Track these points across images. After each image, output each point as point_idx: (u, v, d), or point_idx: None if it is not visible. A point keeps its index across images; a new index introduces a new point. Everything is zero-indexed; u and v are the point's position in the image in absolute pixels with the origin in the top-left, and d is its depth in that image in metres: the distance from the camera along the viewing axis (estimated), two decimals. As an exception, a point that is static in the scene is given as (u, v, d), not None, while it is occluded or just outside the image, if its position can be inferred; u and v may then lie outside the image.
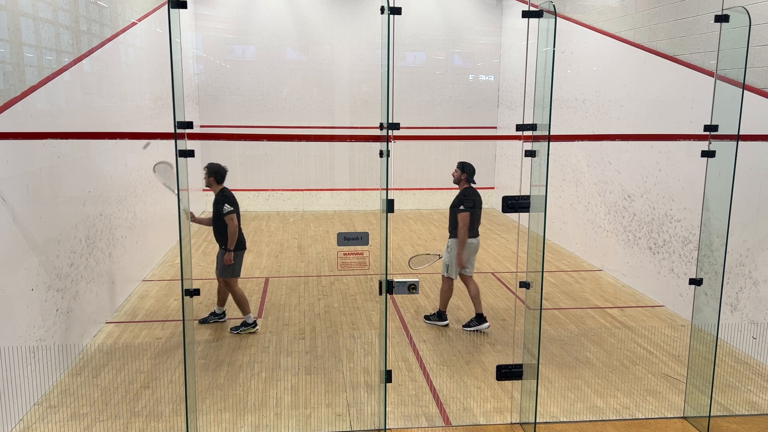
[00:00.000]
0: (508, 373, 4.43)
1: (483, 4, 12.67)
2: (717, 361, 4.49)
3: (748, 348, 5.68)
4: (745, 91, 4.11)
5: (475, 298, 6.26)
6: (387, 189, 3.90)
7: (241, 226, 6.15)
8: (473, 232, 6.20)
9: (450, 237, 6.28)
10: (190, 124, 3.69)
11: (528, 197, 4.09)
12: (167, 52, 3.54)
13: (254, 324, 6.06)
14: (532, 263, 4.24)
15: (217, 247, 6.34)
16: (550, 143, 3.95)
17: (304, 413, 4.56)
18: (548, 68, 3.93)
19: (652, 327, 6.37)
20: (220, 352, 5.60)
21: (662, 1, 7.03)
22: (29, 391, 4.53)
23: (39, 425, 4.34)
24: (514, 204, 4.09)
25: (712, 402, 4.41)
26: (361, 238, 4.20)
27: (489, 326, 6.23)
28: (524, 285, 4.29)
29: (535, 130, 4.08)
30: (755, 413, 4.65)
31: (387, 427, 4.34)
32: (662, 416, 4.59)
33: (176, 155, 3.68)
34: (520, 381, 4.44)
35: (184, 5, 3.53)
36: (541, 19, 4.00)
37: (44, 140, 4.85)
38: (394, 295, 4.14)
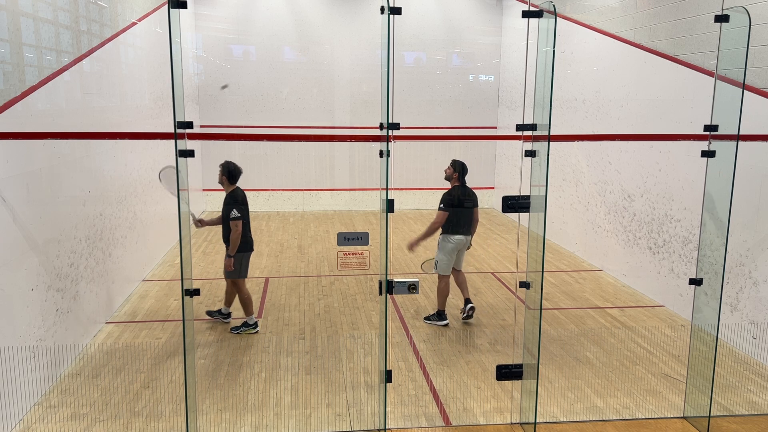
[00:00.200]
0: (508, 373, 4.43)
1: (483, 4, 12.67)
2: (717, 361, 4.49)
3: (748, 348, 5.68)
4: (745, 91, 4.11)
5: (462, 285, 6.45)
6: (387, 189, 3.90)
7: (248, 227, 6.07)
8: (459, 230, 6.26)
9: (440, 233, 6.37)
10: (190, 124, 3.69)
11: (528, 197, 4.09)
12: (167, 52, 3.55)
13: (255, 325, 6.07)
14: (532, 263, 4.24)
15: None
16: (550, 143, 3.95)
17: (304, 413, 4.56)
18: (548, 68, 3.93)
19: (652, 327, 6.37)
20: (220, 352, 5.60)
21: (662, 1, 7.03)
22: (29, 391, 4.53)
23: (39, 425, 4.34)
24: (514, 204, 4.09)
25: (712, 402, 4.41)
26: (361, 238, 4.20)
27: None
28: (524, 285, 4.29)
29: (535, 130, 4.08)
30: (755, 413, 4.66)
31: (387, 427, 4.34)
32: (662, 416, 4.59)
33: (176, 155, 3.68)
34: (520, 381, 4.44)
35: (184, 5, 3.53)
36: (541, 19, 4.00)
37: (44, 140, 4.85)
38: (394, 295, 4.14)
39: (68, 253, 5.33)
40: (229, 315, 6.33)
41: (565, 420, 4.50)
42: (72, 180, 5.53)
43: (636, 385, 5.07)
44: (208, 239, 9.84)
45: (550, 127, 3.94)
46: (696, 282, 4.41)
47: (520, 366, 4.40)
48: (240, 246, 5.92)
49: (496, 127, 12.79)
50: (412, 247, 6.48)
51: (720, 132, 4.24)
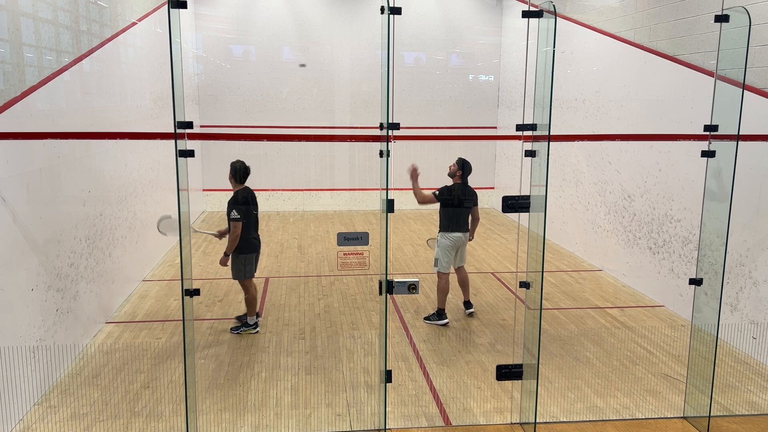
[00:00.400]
0: (508, 373, 4.43)
1: (483, 4, 12.67)
2: (717, 361, 4.49)
3: (748, 348, 5.68)
4: (745, 91, 4.11)
5: (464, 285, 6.51)
6: (387, 189, 3.90)
7: (254, 227, 6.01)
8: (457, 228, 6.32)
9: (439, 231, 6.43)
10: (190, 124, 3.69)
11: (528, 197, 4.09)
12: (167, 52, 3.55)
13: (255, 325, 6.06)
14: (532, 263, 4.24)
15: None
16: (550, 143, 3.95)
17: (304, 413, 4.56)
18: (548, 68, 3.93)
19: (652, 327, 6.37)
20: (220, 352, 5.60)
21: (662, 1, 7.03)
22: (29, 391, 4.53)
23: (39, 425, 4.34)
24: (514, 204, 4.09)
25: (712, 402, 4.41)
26: (361, 238, 4.20)
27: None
28: (524, 285, 4.29)
29: (535, 130, 4.08)
30: (755, 413, 4.66)
31: (387, 427, 4.34)
32: (662, 416, 4.59)
33: (176, 155, 3.68)
34: (520, 381, 4.44)
35: (184, 5, 3.53)
36: (541, 19, 4.00)
37: (44, 140, 4.85)
38: (394, 295, 4.14)
39: (68, 253, 5.33)
40: (256, 324, 6.13)
41: (565, 420, 4.50)
42: (72, 180, 5.53)
43: (636, 385, 5.07)
44: (208, 239, 9.84)
45: (550, 127, 3.94)
46: (696, 282, 4.41)
47: (520, 366, 4.40)
48: (244, 247, 5.89)
49: (496, 127, 12.79)
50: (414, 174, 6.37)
51: (720, 132, 4.24)
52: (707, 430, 4.34)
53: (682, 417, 4.57)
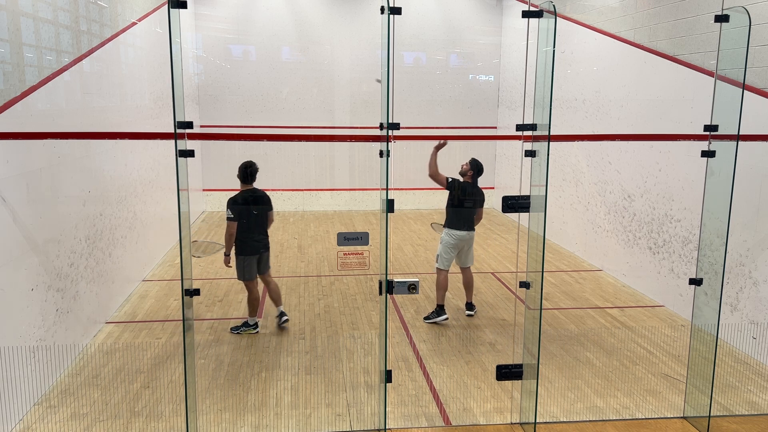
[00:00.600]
0: (508, 373, 4.43)
1: (483, 4, 12.67)
2: (717, 361, 4.49)
3: (748, 348, 5.68)
4: (745, 91, 4.11)
5: (467, 287, 6.53)
6: (387, 189, 3.90)
7: (255, 229, 5.97)
8: (461, 225, 6.37)
9: (444, 227, 6.50)
10: (190, 124, 3.69)
11: (528, 197, 4.09)
12: (167, 52, 3.55)
13: (255, 326, 6.06)
14: (532, 263, 4.24)
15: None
16: (550, 143, 3.95)
17: (304, 413, 4.56)
18: (548, 68, 3.93)
19: (652, 327, 6.37)
20: (220, 352, 5.60)
21: (662, 1, 7.03)
22: (29, 391, 4.53)
23: (39, 425, 4.34)
24: (514, 204, 4.09)
25: (712, 402, 4.41)
26: (361, 238, 4.20)
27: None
28: (524, 285, 4.29)
29: (535, 130, 4.08)
30: (755, 413, 4.66)
31: (387, 427, 4.34)
32: (662, 416, 4.59)
33: (176, 155, 3.68)
34: (520, 381, 4.44)
35: (184, 5, 3.53)
36: (541, 19, 4.00)
37: (44, 140, 4.85)
38: (394, 295, 4.14)
39: (68, 253, 5.33)
40: (281, 315, 6.16)
41: (565, 420, 4.50)
42: (72, 180, 5.53)
43: (636, 385, 5.06)
44: (207, 239, 9.84)
45: (550, 127, 3.94)
46: (696, 282, 4.41)
47: (520, 366, 4.40)
48: (244, 248, 5.88)
49: (496, 127, 12.79)
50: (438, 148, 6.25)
51: (720, 132, 4.24)
52: (707, 430, 4.34)
53: (682, 417, 4.57)
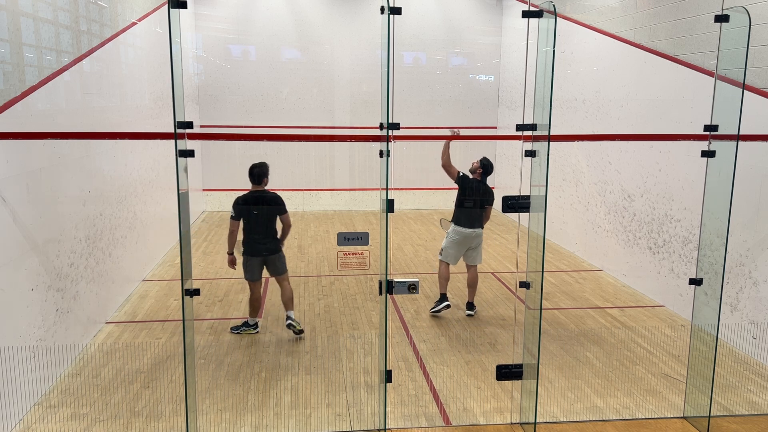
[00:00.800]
0: (508, 373, 4.43)
1: (483, 4, 12.67)
2: (717, 361, 4.49)
3: (748, 348, 5.68)
4: (745, 91, 4.10)
5: (470, 286, 6.61)
6: (387, 189, 3.90)
7: (256, 230, 5.93)
8: (466, 223, 6.45)
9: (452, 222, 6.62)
10: (190, 124, 3.69)
11: (528, 197, 4.09)
12: (167, 52, 3.55)
13: (255, 326, 6.06)
14: (532, 263, 4.24)
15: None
16: (550, 143, 3.95)
17: (304, 413, 4.56)
18: (548, 68, 3.93)
19: (652, 327, 6.37)
20: (220, 352, 5.60)
21: (662, 1, 7.03)
22: (29, 391, 4.53)
23: (39, 425, 4.34)
24: (514, 204, 4.09)
25: (712, 402, 4.41)
26: (361, 238, 4.20)
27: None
28: (524, 285, 4.29)
29: (535, 130, 4.08)
30: (755, 413, 4.66)
31: (387, 427, 4.34)
32: (662, 416, 4.59)
33: (176, 155, 3.68)
34: (520, 381, 4.44)
35: (184, 5, 3.53)
36: (541, 19, 4.00)
37: (44, 140, 4.85)
38: (394, 295, 4.14)
39: (68, 253, 5.33)
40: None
41: (565, 420, 4.50)
42: (72, 180, 5.53)
43: (636, 385, 5.06)
44: (208, 239, 9.84)
45: (550, 127, 3.94)
46: (696, 282, 4.41)
47: (520, 366, 4.40)
48: (246, 247, 5.87)
49: (496, 127, 12.79)
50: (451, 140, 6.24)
51: (720, 132, 4.24)
52: (707, 430, 4.34)
53: (682, 417, 4.57)
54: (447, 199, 12.78)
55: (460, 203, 6.49)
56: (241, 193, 5.97)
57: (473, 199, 6.41)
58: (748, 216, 5.59)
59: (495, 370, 4.49)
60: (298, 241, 10.02)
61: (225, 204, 12.20)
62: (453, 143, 6.67)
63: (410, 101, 12.40)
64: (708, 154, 4.29)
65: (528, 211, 4.13)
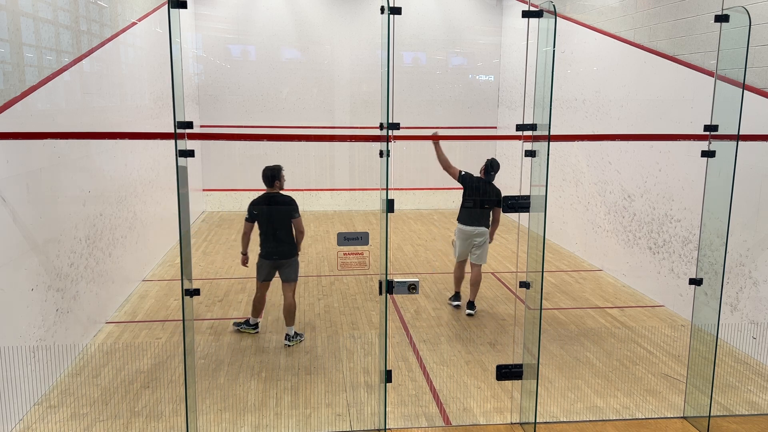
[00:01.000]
0: (508, 373, 4.43)
1: (483, 4, 12.67)
2: (717, 361, 4.49)
3: (748, 348, 5.68)
4: (745, 91, 4.10)
5: (473, 284, 6.69)
6: (387, 189, 3.90)
7: (263, 232, 5.87)
8: (464, 220, 6.59)
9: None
10: (190, 124, 3.69)
11: (528, 197, 4.09)
12: (167, 52, 3.55)
13: (255, 326, 6.06)
14: (532, 263, 4.24)
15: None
16: (550, 143, 3.95)
17: (304, 413, 4.56)
18: (548, 68, 3.93)
19: (652, 327, 6.37)
20: (220, 352, 5.60)
21: (662, 1, 7.03)
22: (29, 391, 4.53)
23: (39, 425, 4.34)
24: (514, 204, 4.09)
25: (712, 402, 4.41)
26: (361, 238, 4.20)
27: (459, 306, 6.78)
28: (524, 285, 4.29)
29: (535, 130, 4.08)
30: (755, 413, 4.66)
31: (387, 427, 4.34)
32: (662, 416, 4.59)
33: (176, 155, 3.68)
34: (520, 381, 4.44)
35: (184, 5, 3.53)
36: (541, 19, 4.00)
37: (44, 140, 4.85)
38: (394, 295, 4.14)
39: (68, 253, 5.33)
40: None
41: (565, 420, 4.50)
42: (72, 180, 5.53)
43: (636, 385, 5.06)
44: (208, 239, 9.84)
45: (550, 127, 3.94)
46: (696, 282, 4.41)
47: (520, 366, 4.40)
48: (261, 249, 5.86)
49: (496, 127, 12.79)
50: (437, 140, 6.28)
51: (720, 132, 4.24)
52: (707, 430, 4.34)
53: (682, 417, 4.57)
54: (447, 199, 12.79)
55: (463, 201, 6.61)
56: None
57: (474, 197, 6.44)
58: (748, 216, 5.59)
59: (495, 370, 4.49)
60: (298, 241, 10.02)
61: (225, 204, 12.22)
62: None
63: (410, 101, 12.40)
64: (708, 154, 4.29)
65: (528, 211, 4.13)
